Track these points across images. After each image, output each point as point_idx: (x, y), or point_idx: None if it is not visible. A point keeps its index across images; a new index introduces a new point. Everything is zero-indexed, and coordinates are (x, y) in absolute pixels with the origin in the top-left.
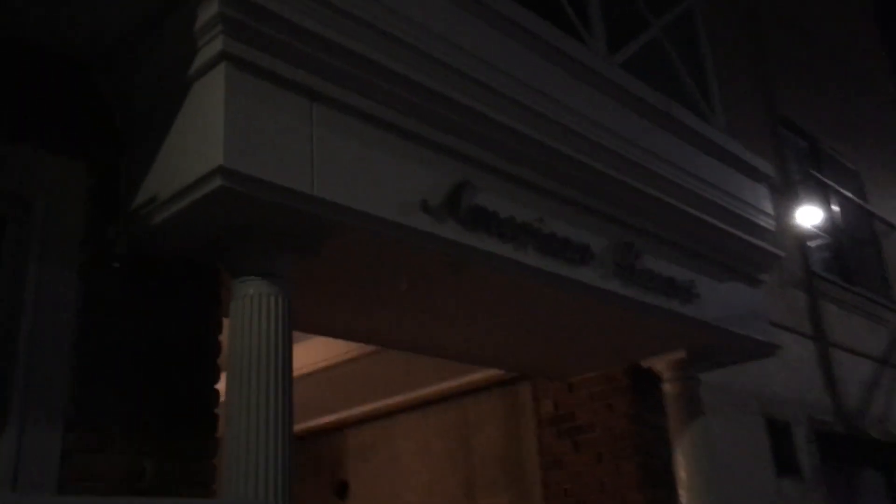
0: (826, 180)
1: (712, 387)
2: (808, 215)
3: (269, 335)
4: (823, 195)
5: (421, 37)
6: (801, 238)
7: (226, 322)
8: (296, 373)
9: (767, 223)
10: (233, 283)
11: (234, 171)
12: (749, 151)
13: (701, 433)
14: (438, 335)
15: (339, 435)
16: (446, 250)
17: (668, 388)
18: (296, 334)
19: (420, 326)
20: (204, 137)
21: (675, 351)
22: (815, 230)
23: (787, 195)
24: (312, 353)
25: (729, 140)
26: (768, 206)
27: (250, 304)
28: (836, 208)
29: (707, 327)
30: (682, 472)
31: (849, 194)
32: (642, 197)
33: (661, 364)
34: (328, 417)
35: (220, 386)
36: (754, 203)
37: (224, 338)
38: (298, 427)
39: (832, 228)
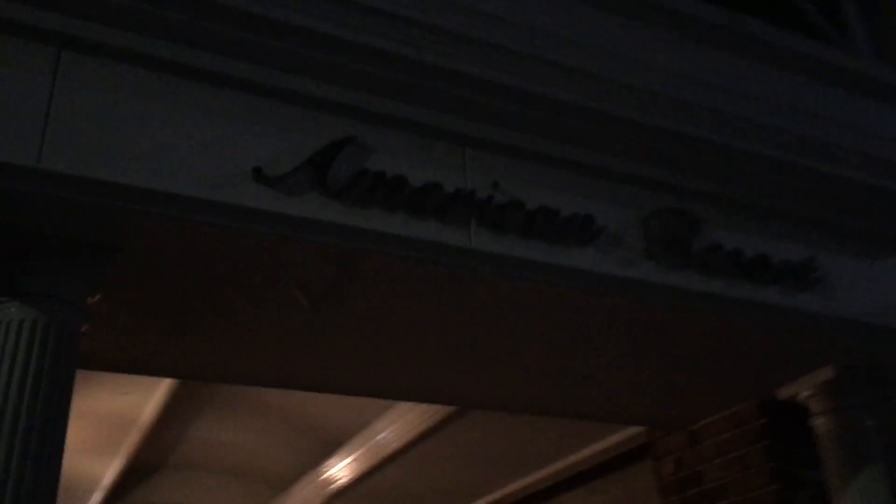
0: None
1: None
2: None
3: (30, 378)
4: None
5: None
6: None
7: None
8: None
9: None
10: None
11: None
12: None
13: (873, 487)
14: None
15: None
16: (313, 237)
17: (819, 424)
18: None
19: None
20: None
21: (818, 369)
22: None
23: None
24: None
25: (872, 65)
26: None
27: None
28: None
29: (850, 327)
30: None
31: None
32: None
33: (805, 392)
34: None
35: None
36: None
37: None
38: None
39: None
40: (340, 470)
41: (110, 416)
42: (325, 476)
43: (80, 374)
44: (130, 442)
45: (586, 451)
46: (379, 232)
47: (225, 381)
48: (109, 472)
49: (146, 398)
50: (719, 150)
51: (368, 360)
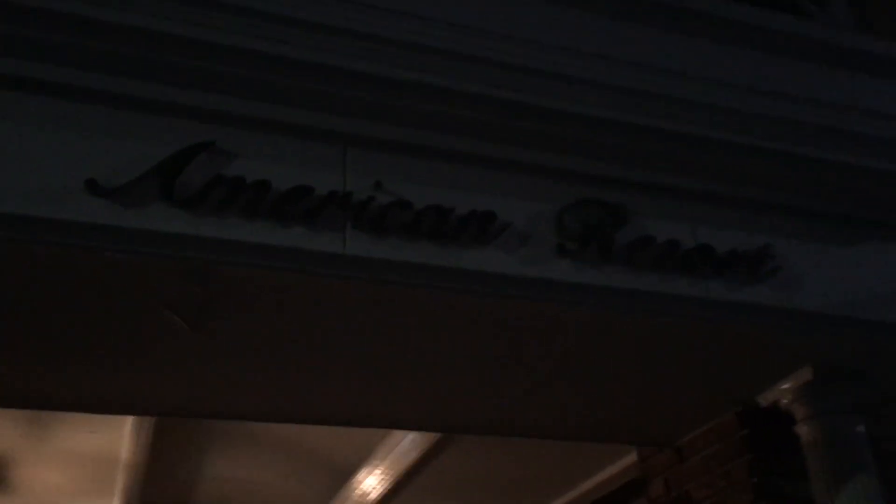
0: None
1: None
2: None
3: None
4: None
5: None
6: None
7: None
8: None
9: None
10: None
11: None
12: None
13: (864, 500)
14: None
15: None
16: (159, 251)
17: (803, 432)
18: None
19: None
20: None
21: (796, 371)
22: None
23: None
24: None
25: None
26: None
27: None
28: None
29: (820, 321)
30: None
31: None
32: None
33: (786, 397)
34: None
35: None
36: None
37: None
38: None
39: None
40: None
41: (89, 456)
42: None
43: (42, 415)
44: (124, 482)
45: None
46: (236, 242)
47: (118, 413)
48: None
49: (117, 436)
50: (647, 133)
51: (263, 381)
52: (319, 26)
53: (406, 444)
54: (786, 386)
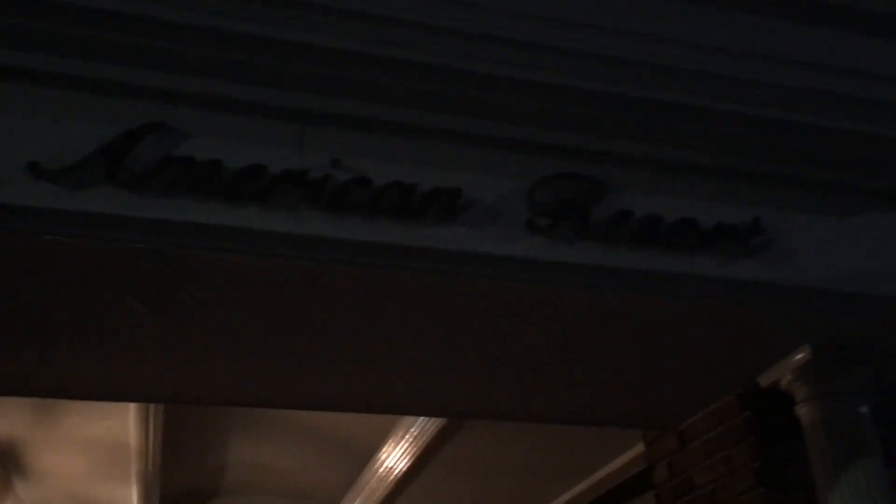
0: None
1: None
2: None
3: None
4: None
5: None
6: None
7: None
8: None
9: None
10: None
11: None
12: None
13: (868, 485)
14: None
15: None
16: (108, 234)
17: (803, 414)
18: None
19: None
20: None
21: (794, 350)
22: None
23: None
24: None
25: None
26: None
27: None
28: None
29: (814, 296)
30: None
31: None
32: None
33: (786, 377)
34: None
35: None
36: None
37: None
38: None
39: None
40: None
41: (100, 443)
42: (360, 495)
43: (49, 403)
44: (138, 468)
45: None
46: (187, 223)
47: (88, 399)
48: (135, 498)
49: (124, 423)
50: (623, 102)
51: (233, 366)
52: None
53: (424, 422)
54: (785, 366)
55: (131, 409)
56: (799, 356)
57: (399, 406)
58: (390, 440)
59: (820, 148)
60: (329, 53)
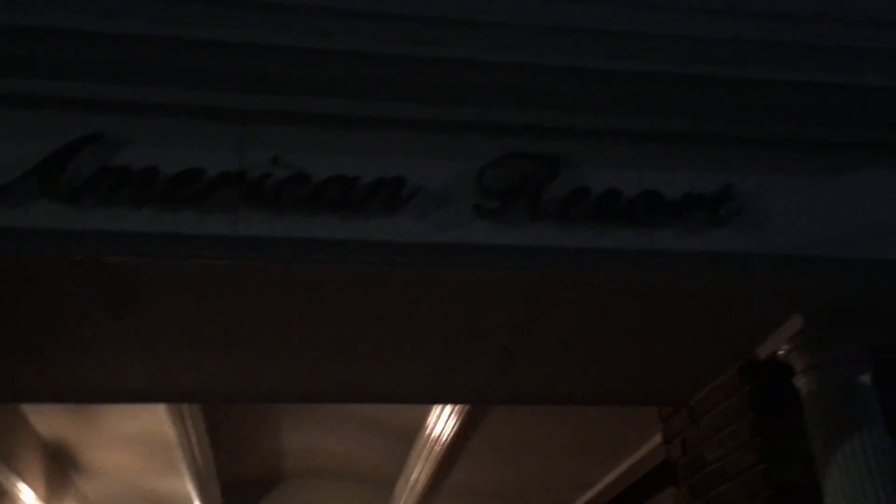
0: None
1: None
2: None
3: None
4: None
5: None
6: None
7: None
8: None
9: None
10: None
11: None
12: None
13: (867, 458)
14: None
15: None
16: (45, 247)
17: (801, 384)
18: None
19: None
20: None
21: (786, 320)
22: None
23: None
24: None
25: None
26: None
27: None
28: None
29: (794, 263)
30: None
31: None
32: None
33: (782, 347)
34: None
35: None
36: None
37: None
38: None
39: None
40: (417, 471)
41: (140, 439)
42: (410, 476)
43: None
44: (186, 460)
45: None
46: (122, 232)
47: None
48: (191, 488)
49: (157, 419)
50: (574, 73)
51: (189, 363)
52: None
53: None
54: (780, 336)
55: (161, 407)
56: (791, 325)
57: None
58: (431, 418)
59: (788, 104)
60: (262, 49)
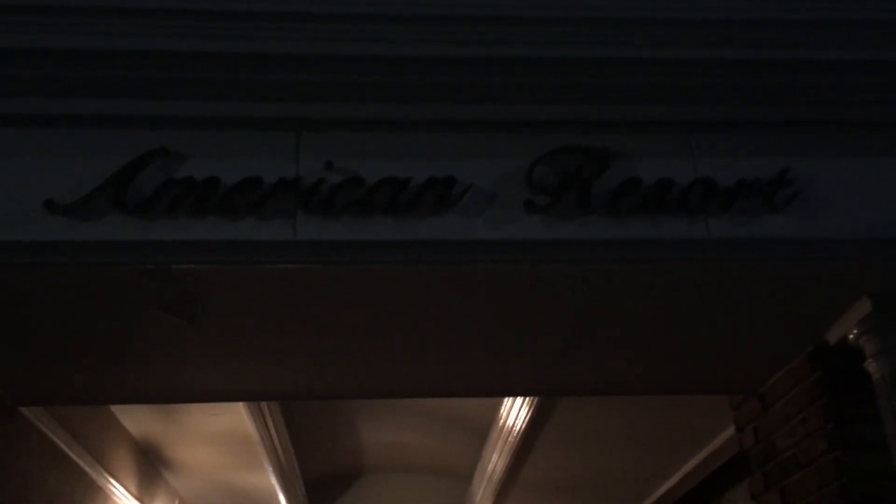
0: None
1: None
2: None
3: None
4: None
5: None
6: None
7: None
8: None
9: None
10: None
11: None
12: None
13: None
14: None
15: None
16: (114, 259)
17: (872, 370)
18: None
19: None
20: None
21: (854, 303)
22: None
23: None
24: None
25: None
26: None
27: None
28: None
29: (855, 246)
30: None
31: None
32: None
33: (852, 332)
34: None
35: None
36: None
37: None
38: None
39: None
40: (492, 463)
41: (223, 436)
42: (487, 469)
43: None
44: (268, 456)
45: None
46: (187, 241)
47: (150, 403)
48: (276, 484)
49: (238, 417)
50: (620, 64)
51: (259, 364)
52: (252, 14)
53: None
54: (849, 321)
55: (241, 405)
56: (859, 309)
57: (458, 391)
58: (503, 410)
59: (843, 84)
60: (313, 59)
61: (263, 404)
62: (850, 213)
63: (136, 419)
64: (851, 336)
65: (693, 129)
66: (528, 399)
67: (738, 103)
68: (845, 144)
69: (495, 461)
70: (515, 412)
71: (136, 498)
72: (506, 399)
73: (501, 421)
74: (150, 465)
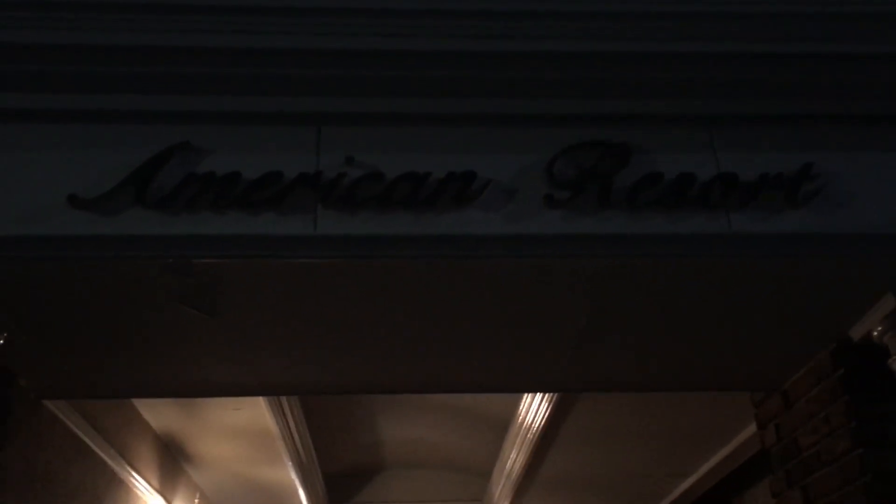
0: None
1: None
2: None
3: None
4: None
5: None
6: None
7: None
8: None
9: None
10: None
11: None
12: None
13: None
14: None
15: None
16: (135, 252)
17: None
18: None
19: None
20: None
21: (879, 300)
22: None
23: None
24: None
25: None
26: None
27: None
28: None
29: (878, 242)
30: None
31: None
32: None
33: (876, 328)
34: None
35: None
36: None
37: None
38: None
39: None
40: (511, 459)
41: (244, 431)
42: (506, 465)
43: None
44: (287, 451)
45: None
46: (208, 235)
47: (166, 396)
48: (295, 478)
49: (258, 412)
50: (640, 59)
51: (279, 358)
52: (272, 9)
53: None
54: (873, 317)
55: (261, 400)
56: (884, 306)
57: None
58: (522, 407)
59: (865, 78)
60: (333, 55)
61: (283, 399)
62: (874, 209)
63: (157, 413)
64: (875, 333)
65: (715, 124)
66: (547, 396)
67: (761, 98)
68: (868, 139)
69: (514, 458)
70: (535, 409)
71: (158, 491)
72: (525, 395)
73: (521, 417)
74: (171, 458)
